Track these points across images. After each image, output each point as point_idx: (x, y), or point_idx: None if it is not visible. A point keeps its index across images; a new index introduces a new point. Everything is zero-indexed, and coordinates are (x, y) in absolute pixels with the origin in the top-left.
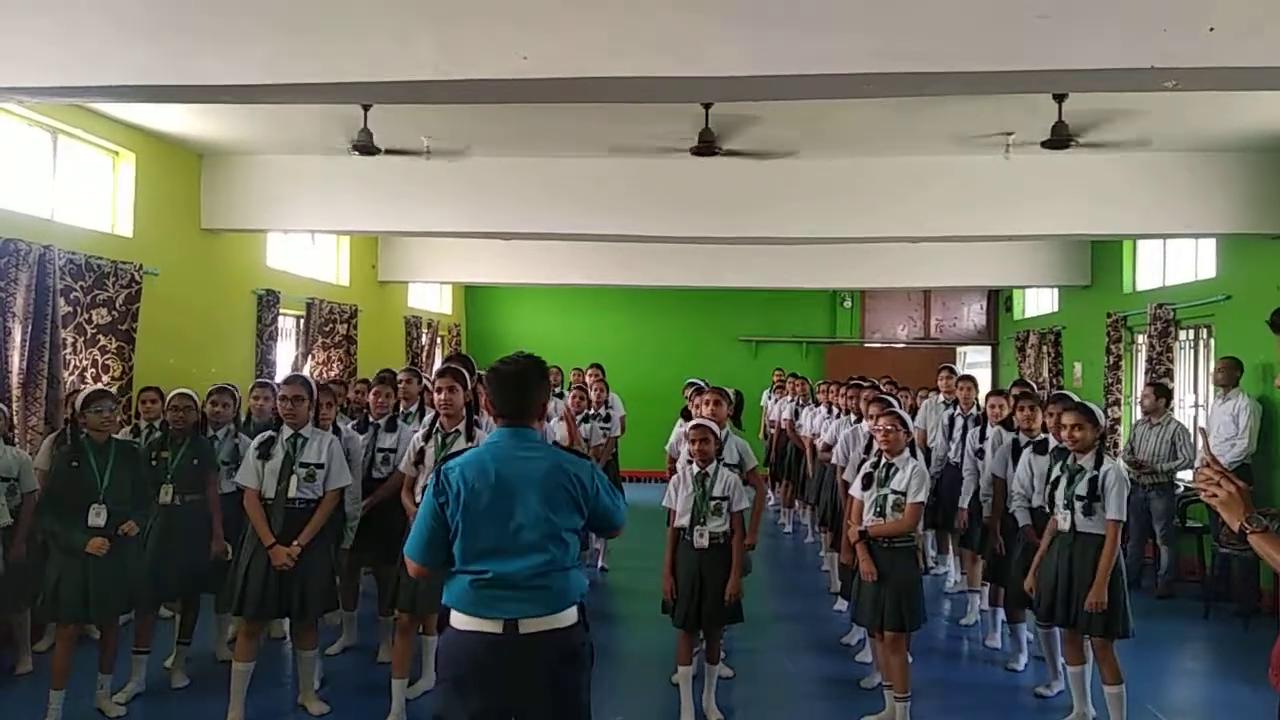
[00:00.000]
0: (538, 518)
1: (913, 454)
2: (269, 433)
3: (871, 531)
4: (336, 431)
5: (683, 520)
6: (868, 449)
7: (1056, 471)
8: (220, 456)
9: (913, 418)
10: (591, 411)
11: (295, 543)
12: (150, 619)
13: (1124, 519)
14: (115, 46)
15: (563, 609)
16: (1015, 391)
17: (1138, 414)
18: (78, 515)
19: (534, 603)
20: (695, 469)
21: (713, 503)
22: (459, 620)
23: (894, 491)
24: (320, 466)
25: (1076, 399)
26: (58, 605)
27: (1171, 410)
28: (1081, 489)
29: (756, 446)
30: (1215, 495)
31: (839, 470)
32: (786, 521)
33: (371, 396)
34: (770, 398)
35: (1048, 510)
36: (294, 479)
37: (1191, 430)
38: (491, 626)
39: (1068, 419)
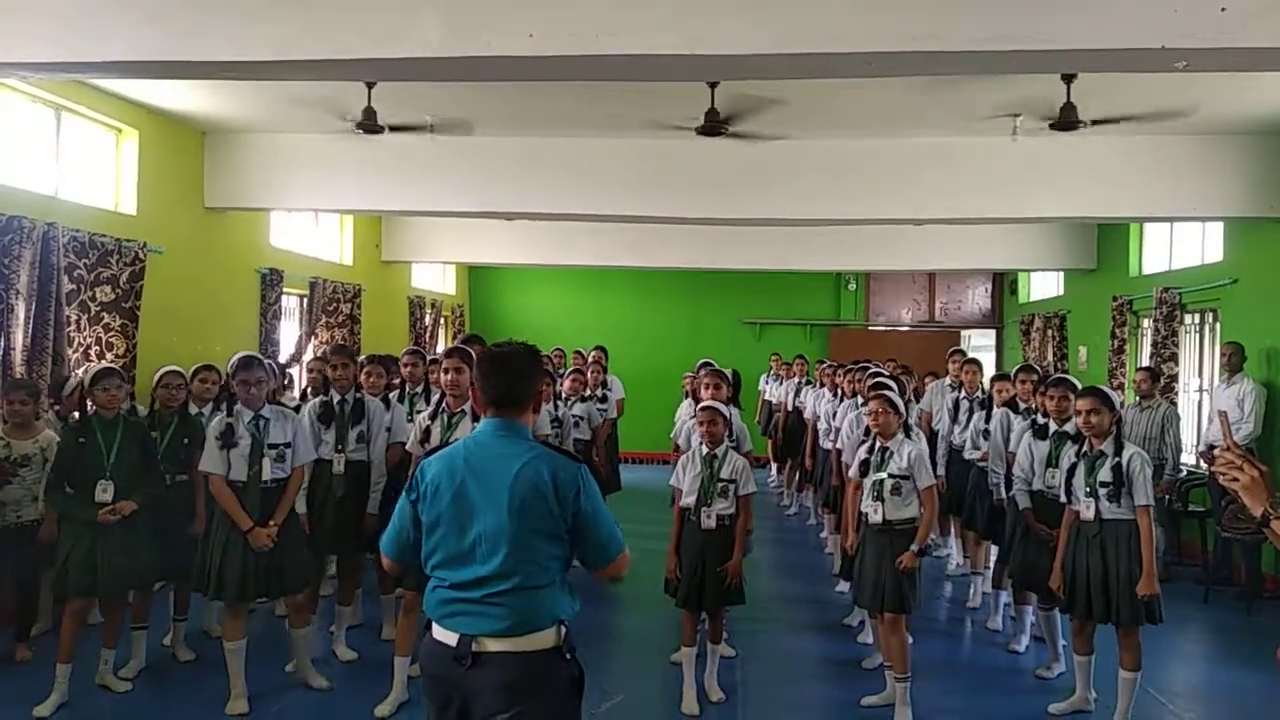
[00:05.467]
0: (500, 526)
1: (907, 435)
2: (225, 418)
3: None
4: (386, 402)
5: (689, 500)
6: (867, 432)
7: (1072, 458)
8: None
9: (917, 401)
10: (588, 393)
11: (271, 522)
12: (149, 595)
13: (1153, 503)
14: (119, 22)
15: (529, 631)
16: (1024, 377)
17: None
18: (85, 491)
19: (492, 619)
20: (704, 450)
21: (720, 484)
22: (434, 626)
23: (890, 475)
24: (288, 446)
25: (1077, 382)
26: (67, 579)
27: (1172, 393)
28: (1105, 475)
29: (752, 430)
30: (1236, 480)
31: (841, 453)
32: (791, 504)
33: (364, 377)
34: (768, 382)
35: (1062, 499)
36: (266, 461)
37: (1184, 414)
38: (448, 639)
39: (1082, 404)
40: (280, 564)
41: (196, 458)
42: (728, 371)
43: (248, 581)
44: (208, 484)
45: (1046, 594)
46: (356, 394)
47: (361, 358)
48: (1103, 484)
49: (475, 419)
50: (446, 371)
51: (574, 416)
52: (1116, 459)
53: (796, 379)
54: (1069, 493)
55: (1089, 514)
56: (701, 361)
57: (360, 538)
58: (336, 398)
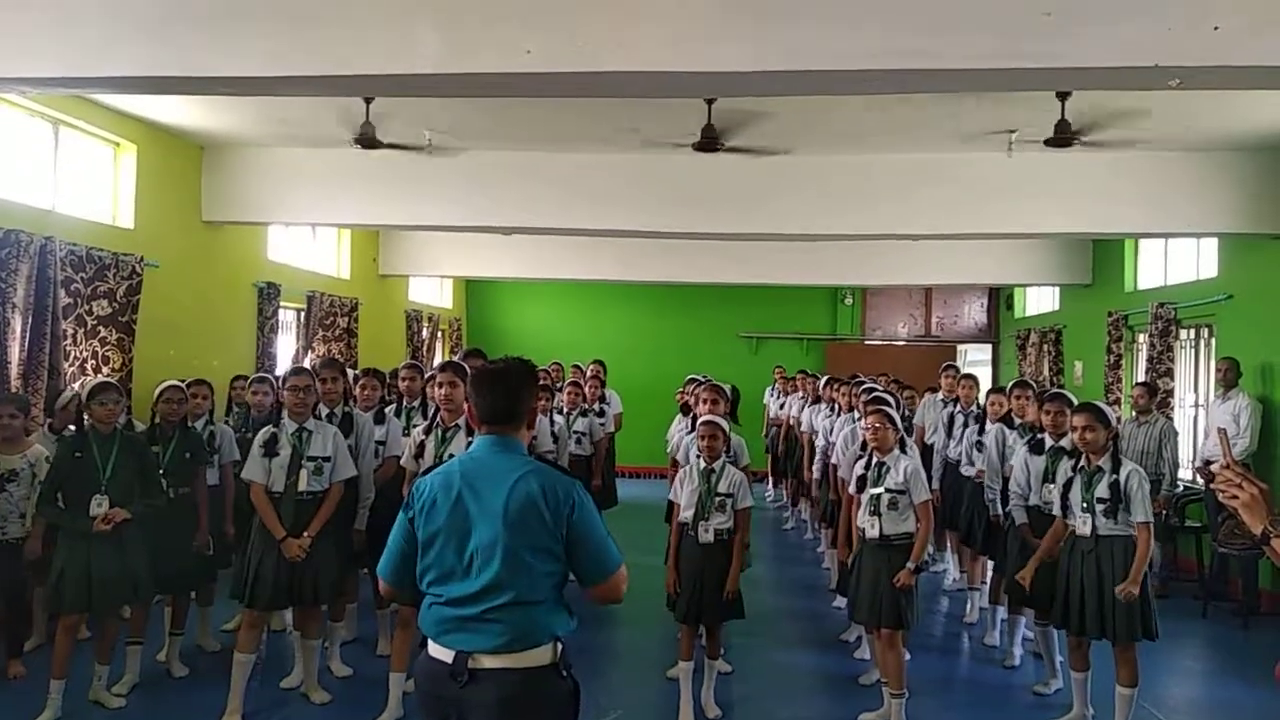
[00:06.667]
0: (495, 538)
1: (903, 450)
2: (270, 428)
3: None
4: (381, 415)
5: (687, 515)
6: (863, 447)
7: (1068, 473)
8: None
9: (909, 417)
10: (587, 406)
11: (305, 533)
12: (145, 610)
13: (1152, 519)
14: (115, 38)
15: (525, 648)
16: (1020, 392)
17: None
18: (80, 506)
19: (489, 635)
20: (702, 464)
21: (717, 499)
22: (430, 643)
23: (888, 490)
24: (327, 459)
25: (1074, 398)
26: (61, 595)
27: (1168, 409)
28: (1102, 492)
29: (758, 444)
30: (1236, 497)
31: (837, 468)
32: (790, 518)
33: (358, 390)
34: (772, 395)
35: (1057, 513)
36: (304, 473)
37: (1182, 430)
38: (444, 655)
39: (1078, 420)
40: (314, 576)
41: (200, 471)
42: (726, 387)
43: (278, 590)
44: (248, 492)
45: (1042, 609)
46: (345, 408)
47: (356, 371)
48: (1100, 500)
49: (470, 433)
50: (440, 386)
51: (576, 433)
52: (1114, 476)
53: (802, 394)
54: (1064, 507)
55: (1085, 529)
56: (689, 377)
57: (348, 553)
58: (325, 412)
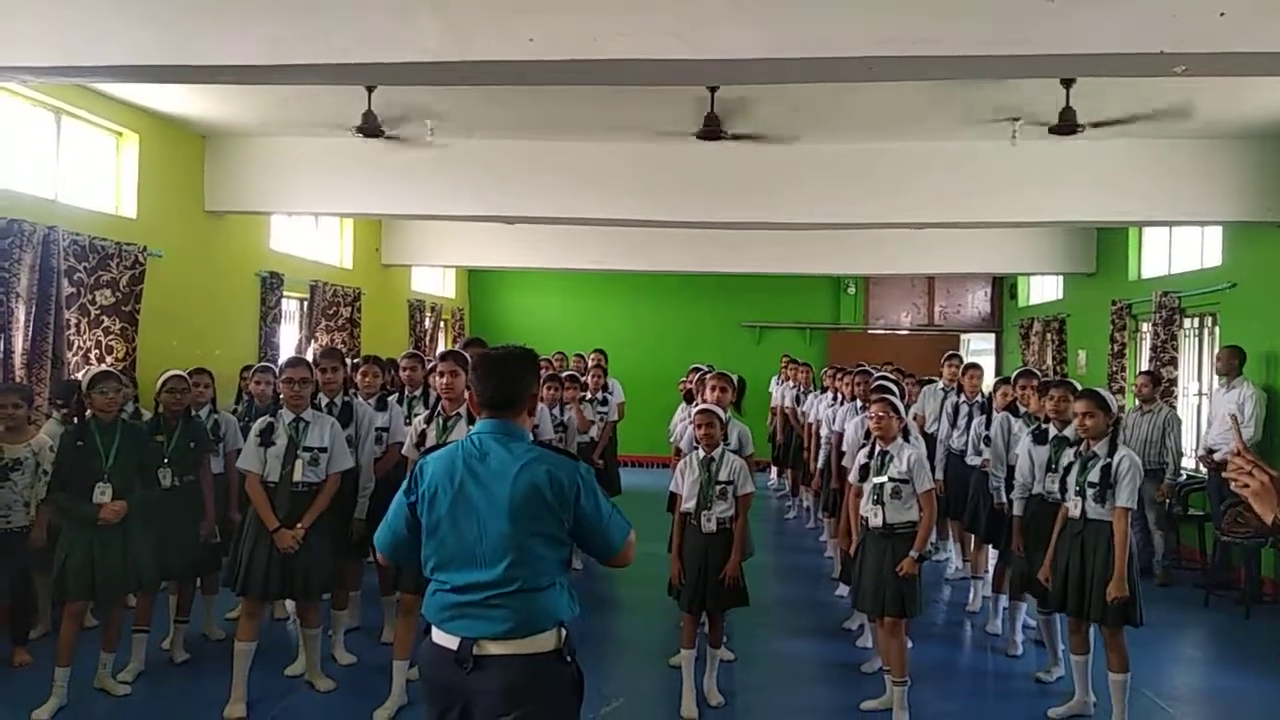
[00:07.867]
0: (500, 530)
1: (906, 439)
2: (267, 418)
3: (898, 530)
4: (384, 403)
5: (689, 505)
6: (867, 435)
7: (1069, 458)
8: None
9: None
10: (589, 396)
11: (299, 525)
12: (151, 598)
13: (1133, 507)
14: (116, 26)
15: (529, 634)
16: (1024, 382)
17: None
18: (83, 494)
19: (492, 622)
20: (701, 453)
21: (718, 487)
22: (434, 630)
23: (891, 479)
24: (323, 450)
25: (1079, 385)
26: (65, 583)
27: (1172, 397)
28: (1094, 476)
29: (762, 433)
30: (1247, 485)
31: (842, 456)
32: (792, 507)
33: (359, 377)
34: (777, 384)
35: (1058, 497)
36: (299, 463)
37: (1185, 419)
38: (448, 642)
39: (1079, 406)
40: (306, 568)
41: (205, 460)
42: (734, 377)
43: (271, 580)
44: (244, 482)
45: (1045, 599)
46: (345, 397)
47: (358, 359)
48: (1091, 484)
49: (470, 422)
50: (441, 375)
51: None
52: (1107, 460)
53: (793, 383)
54: (1064, 492)
55: (1075, 512)
56: (692, 366)
57: (348, 543)
58: (325, 401)
